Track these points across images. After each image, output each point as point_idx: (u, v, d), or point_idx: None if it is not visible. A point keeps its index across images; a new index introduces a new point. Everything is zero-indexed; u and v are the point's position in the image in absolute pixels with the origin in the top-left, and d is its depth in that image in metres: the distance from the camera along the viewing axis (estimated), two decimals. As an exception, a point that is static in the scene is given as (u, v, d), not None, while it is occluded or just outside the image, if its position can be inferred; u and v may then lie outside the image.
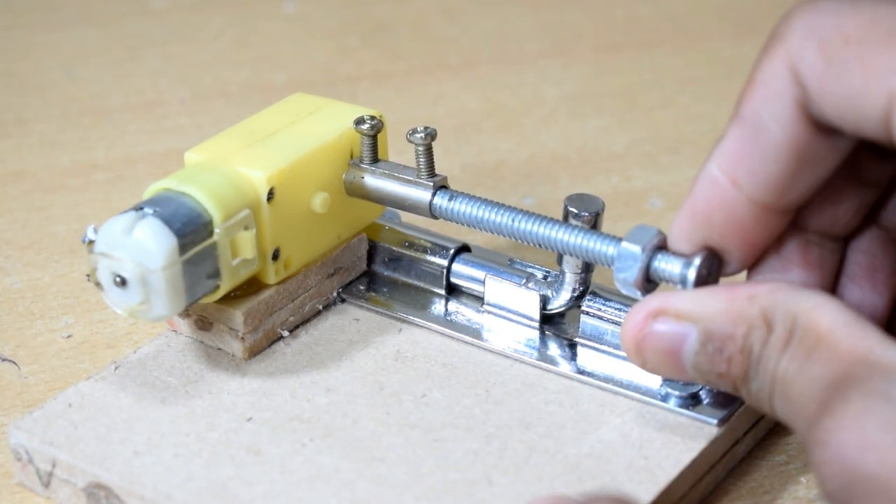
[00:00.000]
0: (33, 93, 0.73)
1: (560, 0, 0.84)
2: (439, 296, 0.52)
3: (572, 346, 0.49)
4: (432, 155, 0.49)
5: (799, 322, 0.39)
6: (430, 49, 0.78)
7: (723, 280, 0.43)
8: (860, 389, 0.37)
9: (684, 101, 0.72)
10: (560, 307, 0.50)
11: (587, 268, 0.49)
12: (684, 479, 0.44)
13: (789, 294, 0.40)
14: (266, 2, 0.83)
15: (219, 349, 0.49)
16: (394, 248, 0.53)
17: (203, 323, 0.49)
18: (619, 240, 0.45)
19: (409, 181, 0.50)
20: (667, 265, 0.43)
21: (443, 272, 0.52)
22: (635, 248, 0.44)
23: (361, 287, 0.52)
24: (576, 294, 0.49)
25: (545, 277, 0.50)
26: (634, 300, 0.44)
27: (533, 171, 0.65)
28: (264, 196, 0.47)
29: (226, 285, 0.47)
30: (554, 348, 0.49)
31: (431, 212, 0.49)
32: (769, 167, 0.40)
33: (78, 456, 0.44)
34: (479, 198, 0.49)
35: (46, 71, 0.75)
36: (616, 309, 0.48)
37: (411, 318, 0.51)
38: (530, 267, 0.51)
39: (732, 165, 0.40)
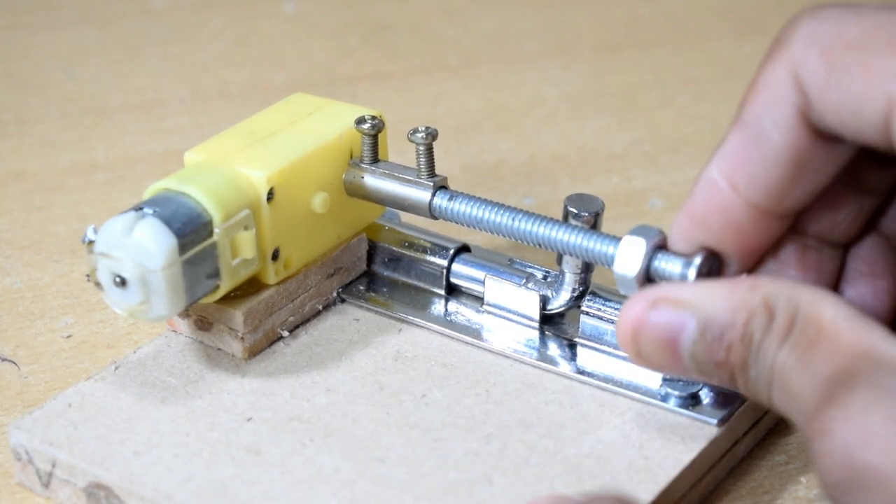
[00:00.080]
0: (33, 93, 0.73)
1: (560, 0, 0.84)
2: (439, 296, 0.52)
3: (572, 346, 0.49)
4: (433, 155, 0.49)
5: (801, 312, 0.39)
6: (430, 49, 0.78)
7: None
8: (866, 382, 0.37)
9: (684, 101, 0.72)
10: (560, 307, 0.50)
11: (587, 268, 0.49)
12: (684, 479, 0.44)
13: (792, 285, 0.40)
14: (266, 2, 0.83)
15: (219, 349, 0.49)
16: (394, 249, 0.53)
17: (203, 323, 0.49)
18: (619, 239, 0.45)
19: (409, 181, 0.50)
20: (667, 264, 0.43)
21: (443, 272, 0.52)
22: (636, 247, 0.44)
23: (361, 287, 0.52)
24: (575, 294, 0.49)
25: (545, 277, 0.50)
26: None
27: (533, 171, 0.65)
28: (264, 196, 0.47)
29: (226, 285, 0.47)
30: (554, 348, 0.49)
31: (431, 212, 0.49)
32: (768, 172, 0.40)
33: (78, 456, 0.44)
34: (479, 198, 0.49)
35: (46, 71, 0.75)
36: (616, 309, 0.48)
37: (411, 318, 0.51)
38: (530, 267, 0.51)
39: (732, 169, 0.41)
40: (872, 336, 0.38)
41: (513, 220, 0.47)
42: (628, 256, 0.44)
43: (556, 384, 0.48)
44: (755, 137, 0.40)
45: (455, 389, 0.47)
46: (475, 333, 0.50)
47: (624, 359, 0.48)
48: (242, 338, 0.48)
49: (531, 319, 0.50)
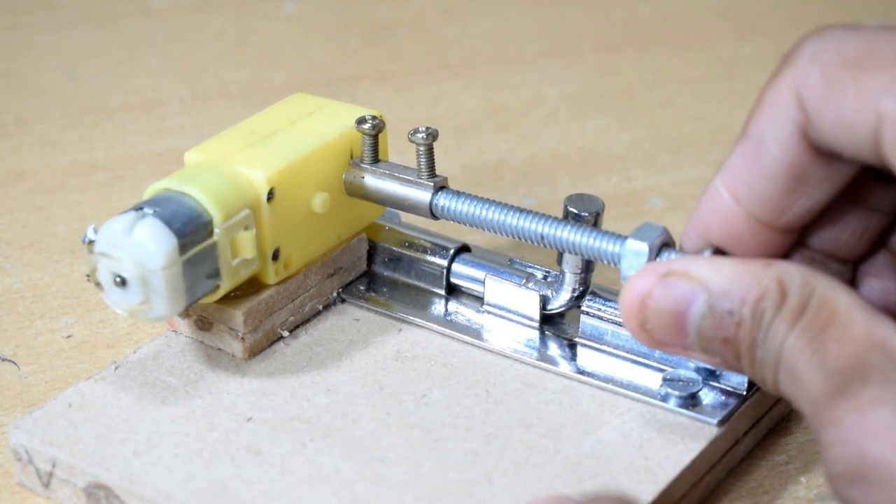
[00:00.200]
0: (33, 93, 0.73)
1: (560, 0, 0.84)
2: (439, 296, 0.52)
3: (572, 346, 0.49)
4: (433, 155, 0.49)
5: (816, 295, 0.39)
6: (430, 49, 0.78)
7: None
8: (880, 376, 0.37)
9: (684, 101, 0.72)
10: (560, 307, 0.50)
11: (587, 268, 0.49)
12: (684, 479, 0.44)
13: (808, 269, 0.40)
14: (266, 2, 0.83)
15: (219, 349, 0.49)
16: (394, 248, 0.53)
17: (203, 323, 0.49)
18: (624, 238, 0.45)
19: (409, 181, 0.50)
20: None
21: (443, 272, 0.52)
22: (641, 245, 0.44)
23: (361, 287, 0.52)
24: (576, 294, 0.49)
25: (545, 277, 0.50)
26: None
27: (533, 171, 0.65)
28: (264, 196, 0.47)
29: (226, 285, 0.47)
30: (554, 348, 0.49)
31: (432, 212, 0.49)
32: (766, 185, 0.41)
33: (78, 456, 0.44)
34: (480, 197, 0.49)
35: (46, 71, 0.75)
36: (616, 309, 0.48)
37: (411, 318, 0.51)
38: (530, 267, 0.51)
39: (734, 181, 0.41)
40: (886, 330, 0.38)
41: (516, 218, 0.47)
42: (633, 264, 0.44)
43: (556, 384, 0.48)
44: (757, 151, 0.41)
45: (455, 389, 0.47)
46: (475, 333, 0.50)
47: (624, 359, 0.48)
48: (242, 338, 0.48)
49: (531, 319, 0.50)
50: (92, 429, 0.45)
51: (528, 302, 0.50)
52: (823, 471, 0.38)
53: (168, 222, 0.45)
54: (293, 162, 0.48)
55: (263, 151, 0.48)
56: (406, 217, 0.54)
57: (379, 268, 0.53)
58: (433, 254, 0.52)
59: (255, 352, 0.49)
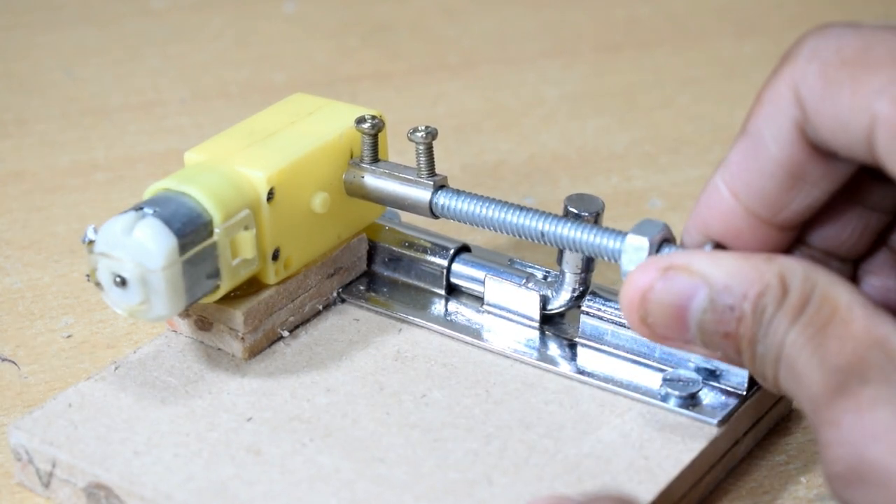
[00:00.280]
0: (33, 93, 0.73)
1: (560, 0, 0.84)
2: (439, 296, 0.52)
3: (572, 346, 0.49)
4: (433, 154, 0.49)
5: (817, 291, 0.39)
6: (430, 49, 0.78)
7: None
8: (879, 375, 0.37)
9: (684, 101, 0.72)
10: (560, 307, 0.50)
11: (587, 268, 0.49)
12: (684, 479, 0.44)
13: (810, 264, 0.40)
14: (266, 2, 0.83)
15: (219, 349, 0.49)
16: (394, 248, 0.53)
17: (203, 323, 0.49)
18: (625, 234, 0.45)
19: (409, 181, 0.50)
20: None
21: (443, 272, 0.52)
22: (642, 241, 0.44)
23: (361, 287, 0.52)
24: (576, 294, 0.49)
25: (545, 277, 0.50)
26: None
27: (533, 171, 0.65)
28: (264, 196, 0.47)
29: (226, 285, 0.47)
30: (554, 348, 0.49)
31: (432, 211, 0.49)
32: (764, 182, 0.41)
33: (78, 456, 0.44)
34: (481, 195, 0.49)
35: (46, 71, 0.75)
36: (616, 309, 0.48)
37: (411, 318, 0.51)
38: (530, 267, 0.51)
39: (733, 177, 0.41)
40: (886, 327, 0.38)
41: (517, 216, 0.47)
42: (633, 259, 0.44)
43: (556, 384, 0.48)
44: (755, 148, 0.41)
45: (455, 389, 0.47)
46: (475, 333, 0.50)
47: (624, 359, 0.48)
48: (242, 338, 0.48)
49: (531, 319, 0.50)
50: (92, 429, 0.45)
51: (528, 302, 0.50)
52: (822, 470, 0.38)
53: (168, 222, 0.45)
54: (293, 162, 0.48)
55: (263, 151, 0.48)
56: (406, 217, 0.54)
57: (379, 268, 0.53)
58: (433, 254, 0.52)
59: (255, 352, 0.49)
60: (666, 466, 0.44)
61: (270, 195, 0.47)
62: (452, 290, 0.52)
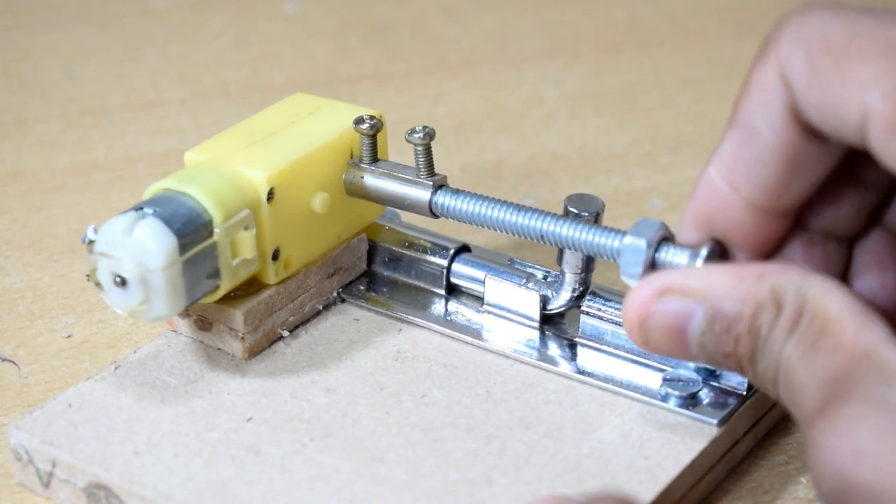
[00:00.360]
0: (33, 93, 0.73)
1: (560, 0, 0.84)
2: (439, 296, 0.52)
3: (572, 346, 0.49)
4: (431, 155, 0.49)
5: (808, 305, 0.39)
6: (430, 49, 0.78)
7: None
8: (859, 392, 0.36)
9: (684, 101, 0.72)
10: (560, 307, 0.50)
11: (587, 267, 0.49)
12: (684, 479, 0.44)
13: (800, 274, 0.40)
14: (266, 2, 0.83)
15: (219, 349, 0.49)
16: (394, 248, 0.53)
17: (203, 323, 0.49)
18: (624, 233, 0.45)
19: (408, 180, 0.50)
20: (673, 256, 0.43)
21: (443, 272, 0.52)
22: (639, 242, 0.44)
23: (361, 287, 0.52)
24: (576, 294, 0.49)
25: (545, 277, 0.50)
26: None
27: (533, 171, 0.65)
28: (264, 196, 0.47)
29: (226, 285, 0.47)
30: (554, 348, 0.49)
31: (431, 210, 0.49)
32: (763, 170, 0.40)
33: (78, 456, 0.44)
34: (480, 195, 0.49)
35: (46, 71, 0.75)
36: (616, 309, 0.48)
37: (411, 318, 0.51)
38: (530, 267, 0.51)
39: (729, 169, 0.41)
40: (874, 336, 0.38)
41: (516, 215, 0.47)
42: (631, 261, 0.44)
43: (556, 384, 0.48)
44: (749, 137, 0.40)
45: (455, 389, 0.47)
46: (475, 333, 0.50)
47: (624, 359, 0.48)
48: (242, 338, 0.48)
49: (531, 319, 0.50)
50: (92, 429, 0.45)
51: (528, 302, 0.50)
52: (814, 489, 0.38)
53: (168, 222, 0.45)
54: (293, 162, 0.48)
55: (263, 151, 0.48)
56: (406, 217, 0.54)
57: (379, 268, 0.53)
58: (433, 254, 0.52)
59: (255, 352, 0.49)
60: (666, 466, 0.44)
61: (270, 195, 0.47)
62: (452, 290, 0.52)
